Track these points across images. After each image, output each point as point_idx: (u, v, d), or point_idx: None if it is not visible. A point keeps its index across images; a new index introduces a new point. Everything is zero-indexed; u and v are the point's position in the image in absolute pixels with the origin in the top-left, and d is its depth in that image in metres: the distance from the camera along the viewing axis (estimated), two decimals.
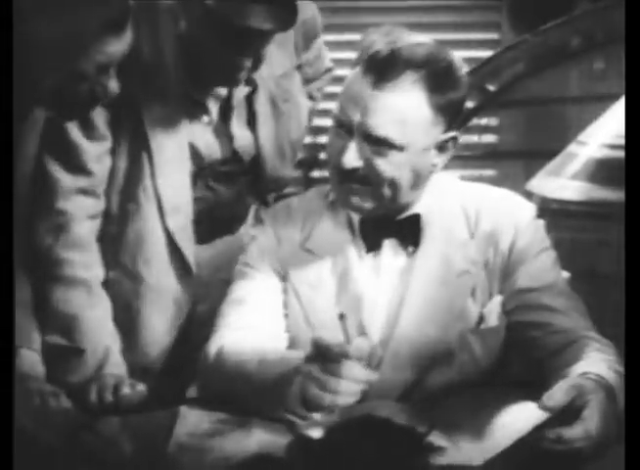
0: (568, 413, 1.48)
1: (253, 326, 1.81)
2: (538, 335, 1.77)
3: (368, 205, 1.76)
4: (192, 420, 1.65)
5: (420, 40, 1.73)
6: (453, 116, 1.74)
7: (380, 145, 1.70)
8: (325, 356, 1.52)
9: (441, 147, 1.76)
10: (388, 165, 1.71)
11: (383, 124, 1.69)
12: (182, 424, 1.63)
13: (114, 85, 1.67)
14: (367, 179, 1.73)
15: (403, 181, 1.74)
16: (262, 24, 1.84)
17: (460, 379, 1.77)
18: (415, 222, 1.81)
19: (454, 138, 1.76)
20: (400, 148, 1.70)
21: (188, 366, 2.03)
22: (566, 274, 1.89)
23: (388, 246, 1.81)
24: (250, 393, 1.68)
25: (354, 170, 1.72)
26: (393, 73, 1.68)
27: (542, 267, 1.81)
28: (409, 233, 1.81)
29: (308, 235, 1.87)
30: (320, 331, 1.79)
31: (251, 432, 1.60)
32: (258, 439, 1.56)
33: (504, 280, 1.80)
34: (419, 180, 1.77)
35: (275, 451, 1.50)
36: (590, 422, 1.46)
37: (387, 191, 1.74)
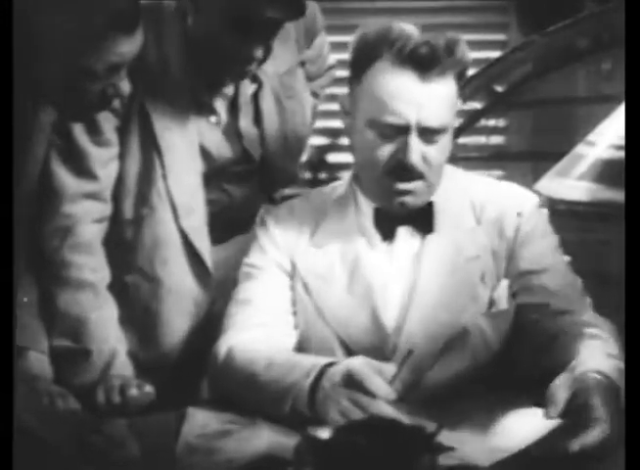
0: (571, 413, 1.48)
1: (262, 325, 1.82)
2: (535, 318, 1.79)
3: (421, 199, 1.80)
4: (200, 421, 1.65)
5: (414, 29, 1.77)
6: (458, 85, 1.80)
7: (435, 135, 1.74)
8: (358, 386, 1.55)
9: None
10: (439, 152, 1.77)
11: (439, 116, 1.74)
12: (190, 425, 1.63)
13: (125, 86, 1.67)
14: (421, 174, 1.76)
15: (444, 163, 1.81)
16: (274, 13, 1.85)
17: (473, 364, 1.78)
18: (428, 210, 1.83)
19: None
20: (447, 131, 1.77)
21: (206, 366, 2.05)
22: (567, 258, 1.90)
23: (403, 233, 1.83)
24: (256, 396, 1.69)
25: (414, 168, 1.74)
26: (437, 65, 1.72)
27: (543, 250, 1.85)
28: (423, 221, 1.83)
29: (315, 231, 1.88)
30: (333, 325, 1.81)
31: (259, 433, 1.59)
32: (267, 440, 1.56)
33: (509, 264, 1.83)
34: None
35: (283, 452, 1.50)
36: (603, 422, 1.46)
37: (435, 178, 1.80)
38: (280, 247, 1.88)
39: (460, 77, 1.79)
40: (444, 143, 1.77)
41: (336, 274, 1.83)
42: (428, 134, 1.74)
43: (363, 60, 1.77)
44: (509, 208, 1.85)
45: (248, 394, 1.71)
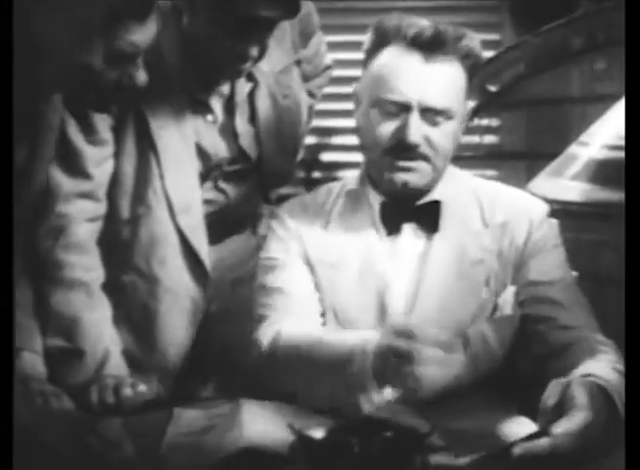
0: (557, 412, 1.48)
1: (298, 313, 1.82)
2: (542, 329, 1.79)
3: (424, 180, 1.81)
4: (185, 420, 1.64)
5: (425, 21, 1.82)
6: (470, 82, 1.83)
7: (437, 116, 1.76)
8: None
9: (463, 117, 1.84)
10: (444, 136, 1.78)
11: (441, 95, 1.76)
12: (175, 425, 1.62)
13: (142, 76, 1.64)
14: (425, 155, 1.77)
15: (451, 152, 1.82)
16: (268, 12, 1.85)
17: (473, 368, 1.77)
18: (434, 209, 1.83)
19: (470, 110, 1.87)
20: (452, 116, 1.78)
21: (202, 366, 2.04)
22: (574, 273, 1.90)
23: (408, 230, 1.83)
24: (313, 375, 1.68)
25: (414, 147, 1.75)
26: (441, 47, 1.76)
27: (554, 263, 1.85)
28: (428, 219, 1.83)
29: (327, 222, 1.89)
30: (343, 323, 1.80)
31: (244, 425, 1.58)
32: (251, 433, 1.55)
33: (517, 272, 1.83)
34: (453, 149, 1.84)
35: (268, 447, 1.49)
36: (586, 410, 1.46)
37: (440, 163, 1.80)
38: (296, 237, 1.88)
39: (472, 72, 1.81)
40: (450, 128, 1.78)
41: (346, 264, 1.84)
42: (431, 115, 1.76)
43: (373, 47, 1.82)
44: (519, 214, 1.85)
45: (303, 368, 1.70)
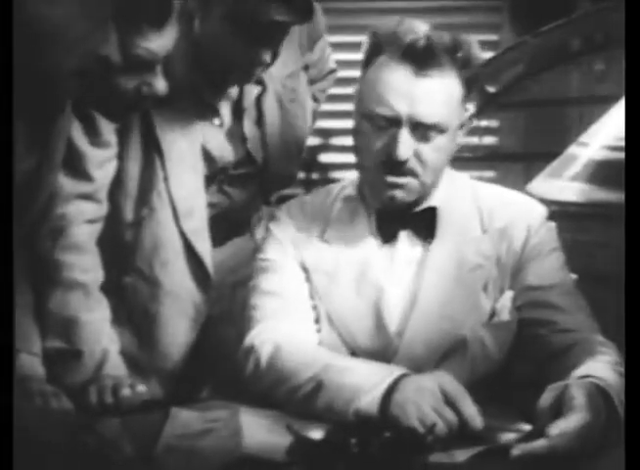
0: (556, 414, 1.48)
1: (292, 319, 1.81)
2: (543, 333, 1.78)
3: (411, 196, 1.78)
4: (182, 421, 1.63)
5: (425, 26, 1.78)
6: (469, 91, 1.79)
7: (428, 131, 1.72)
8: None
9: (462, 125, 1.81)
10: (435, 151, 1.74)
11: (433, 111, 1.72)
12: (172, 425, 1.61)
13: (161, 84, 1.61)
14: (413, 170, 1.75)
15: (442, 165, 1.79)
16: (283, 17, 1.85)
17: (471, 373, 1.77)
18: (431, 215, 1.82)
19: (471, 115, 1.82)
20: (444, 130, 1.74)
21: (202, 368, 2.04)
22: (573, 276, 1.89)
23: (404, 237, 1.82)
24: (309, 399, 1.66)
25: (404, 163, 1.73)
26: (434, 60, 1.72)
27: (552, 267, 1.83)
28: (425, 226, 1.82)
29: (324, 227, 1.87)
30: (339, 328, 1.80)
31: (242, 431, 1.58)
32: (250, 438, 1.55)
33: (515, 276, 1.82)
34: (447, 163, 1.81)
35: (266, 452, 1.49)
36: (583, 411, 1.46)
37: (430, 178, 1.77)
38: (293, 240, 1.87)
39: (469, 83, 1.77)
40: (441, 143, 1.74)
41: (342, 272, 1.82)
42: (421, 130, 1.72)
43: (369, 55, 1.79)
44: (518, 218, 1.84)
45: (298, 396, 1.68)
